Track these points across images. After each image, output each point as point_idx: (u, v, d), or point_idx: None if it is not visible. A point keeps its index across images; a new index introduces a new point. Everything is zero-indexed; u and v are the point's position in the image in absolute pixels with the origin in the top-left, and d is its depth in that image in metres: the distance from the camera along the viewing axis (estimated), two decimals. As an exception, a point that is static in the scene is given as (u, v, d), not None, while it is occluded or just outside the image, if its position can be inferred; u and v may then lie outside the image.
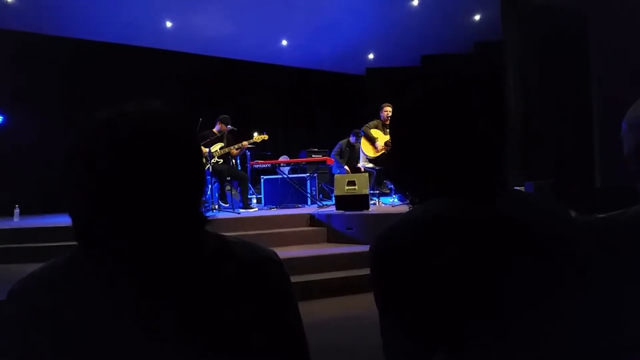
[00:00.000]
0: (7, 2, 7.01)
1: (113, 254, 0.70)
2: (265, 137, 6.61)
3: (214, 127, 6.49)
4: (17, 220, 6.34)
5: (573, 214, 1.02)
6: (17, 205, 6.58)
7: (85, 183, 0.69)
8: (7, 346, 0.67)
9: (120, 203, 0.68)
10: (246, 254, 0.77)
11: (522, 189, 5.97)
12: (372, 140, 6.42)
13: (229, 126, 6.49)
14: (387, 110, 6.47)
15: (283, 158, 8.04)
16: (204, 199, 0.90)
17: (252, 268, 0.75)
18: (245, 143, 6.53)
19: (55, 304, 0.66)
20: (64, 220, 5.04)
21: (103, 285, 0.68)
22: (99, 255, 0.71)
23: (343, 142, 7.55)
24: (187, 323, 0.68)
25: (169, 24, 8.20)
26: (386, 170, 5.74)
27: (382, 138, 6.39)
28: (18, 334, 0.66)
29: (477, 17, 8.39)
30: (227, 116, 6.52)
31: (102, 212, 0.68)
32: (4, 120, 7.83)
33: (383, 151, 6.35)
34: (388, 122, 6.35)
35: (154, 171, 0.69)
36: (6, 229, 5.02)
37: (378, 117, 6.58)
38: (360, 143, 6.67)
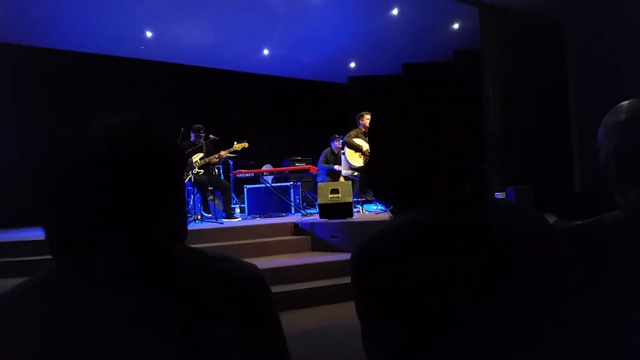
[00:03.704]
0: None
1: (87, 270, 0.68)
2: (246, 144, 6.51)
3: (190, 138, 6.43)
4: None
5: (552, 219, 1.03)
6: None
7: (60, 196, 0.67)
8: None
9: (96, 217, 0.66)
10: (226, 270, 0.75)
11: (502, 194, 6.05)
12: (357, 149, 6.40)
13: (211, 136, 6.44)
14: (367, 118, 6.46)
15: (266, 167, 8.00)
16: (186, 209, 0.88)
17: (233, 285, 0.73)
18: (223, 153, 6.45)
19: (29, 325, 0.64)
20: (39, 234, 4.92)
21: (76, 304, 0.66)
22: (73, 273, 0.69)
23: (327, 150, 7.55)
24: (162, 344, 0.66)
25: (149, 34, 8.14)
26: (363, 179, 5.66)
27: (366, 146, 6.38)
28: None
29: (456, 26, 8.51)
30: (199, 126, 6.45)
31: (76, 227, 0.66)
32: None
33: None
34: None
35: (132, 184, 0.68)
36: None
37: (356, 126, 6.57)
38: (344, 152, 6.65)
